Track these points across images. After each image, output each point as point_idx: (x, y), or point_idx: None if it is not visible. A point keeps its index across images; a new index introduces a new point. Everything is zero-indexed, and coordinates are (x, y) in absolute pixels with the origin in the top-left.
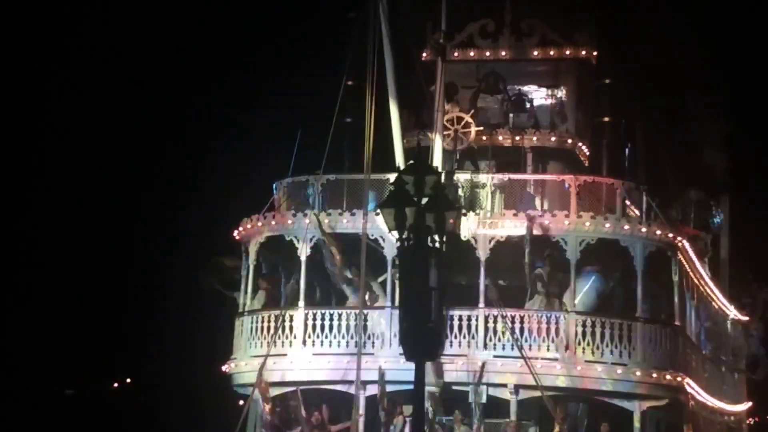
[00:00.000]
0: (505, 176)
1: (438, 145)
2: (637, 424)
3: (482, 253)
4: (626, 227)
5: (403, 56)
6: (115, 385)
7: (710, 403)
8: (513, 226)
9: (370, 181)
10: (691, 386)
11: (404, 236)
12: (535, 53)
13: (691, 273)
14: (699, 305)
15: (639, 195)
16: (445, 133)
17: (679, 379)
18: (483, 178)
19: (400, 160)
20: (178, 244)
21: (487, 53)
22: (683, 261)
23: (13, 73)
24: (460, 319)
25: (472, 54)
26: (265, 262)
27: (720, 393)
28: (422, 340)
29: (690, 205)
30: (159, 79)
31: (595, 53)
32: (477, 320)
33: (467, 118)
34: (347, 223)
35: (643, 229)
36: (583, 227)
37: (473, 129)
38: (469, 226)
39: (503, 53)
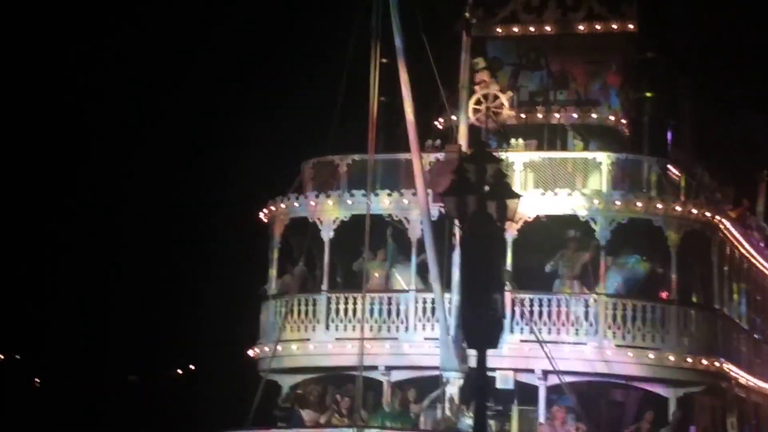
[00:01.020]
0: (534, 154)
1: (463, 122)
2: (672, 410)
3: (509, 234)
4: (659, 206)
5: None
6: (179, 371)
7: None
8: (542, 206)
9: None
10: (734, 371)
11: (465, 224)
12: (581, 28)
13: (738, 254)
14: (752, 289)
15: (681, 173)
16: (475, 109)
17: (717, 364)
18: (509, 156)
19: (413, 139)
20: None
21: (531, 29)
22: (726, 242)
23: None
24: None
25: (515, 30)
26: (296, 246)
27: None
28: (484, 328)
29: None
30: (199, 66)
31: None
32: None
33: (499, 93)
34: (371, 203)
35: (678, 208)
36: (613, 206)
37: (506, 106)
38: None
39: (548, 28)
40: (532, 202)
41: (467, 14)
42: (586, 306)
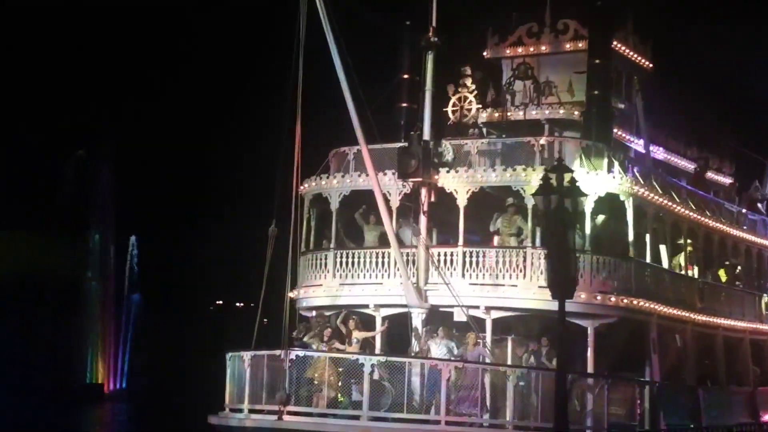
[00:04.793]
0: (483, 140)
1: (427, 116)
2: (590, 338)
3: (461, 203)
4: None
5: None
6: None
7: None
8: (488, 180)
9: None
10: (651, 306)
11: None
12: (568, 47)
13: (666, 214)
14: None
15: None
16: (453, 109)
17: (626, 300)
18: (469, 144)
19: (360, 136)
20: None
21: (531, 49)
22: (643, 205)
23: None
24: (445, 255)
25: (519, 50)
26: (340, 219)
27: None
28: (564, 284)
29: None
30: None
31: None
32: (456, 256)
33: (470, 96)
34: (363, 182)
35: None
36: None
37: (474, 106)
38: (452, 181)
39: (543, 48)
40: (479, 177)
41: (430, 35)
42: (525, 257)
